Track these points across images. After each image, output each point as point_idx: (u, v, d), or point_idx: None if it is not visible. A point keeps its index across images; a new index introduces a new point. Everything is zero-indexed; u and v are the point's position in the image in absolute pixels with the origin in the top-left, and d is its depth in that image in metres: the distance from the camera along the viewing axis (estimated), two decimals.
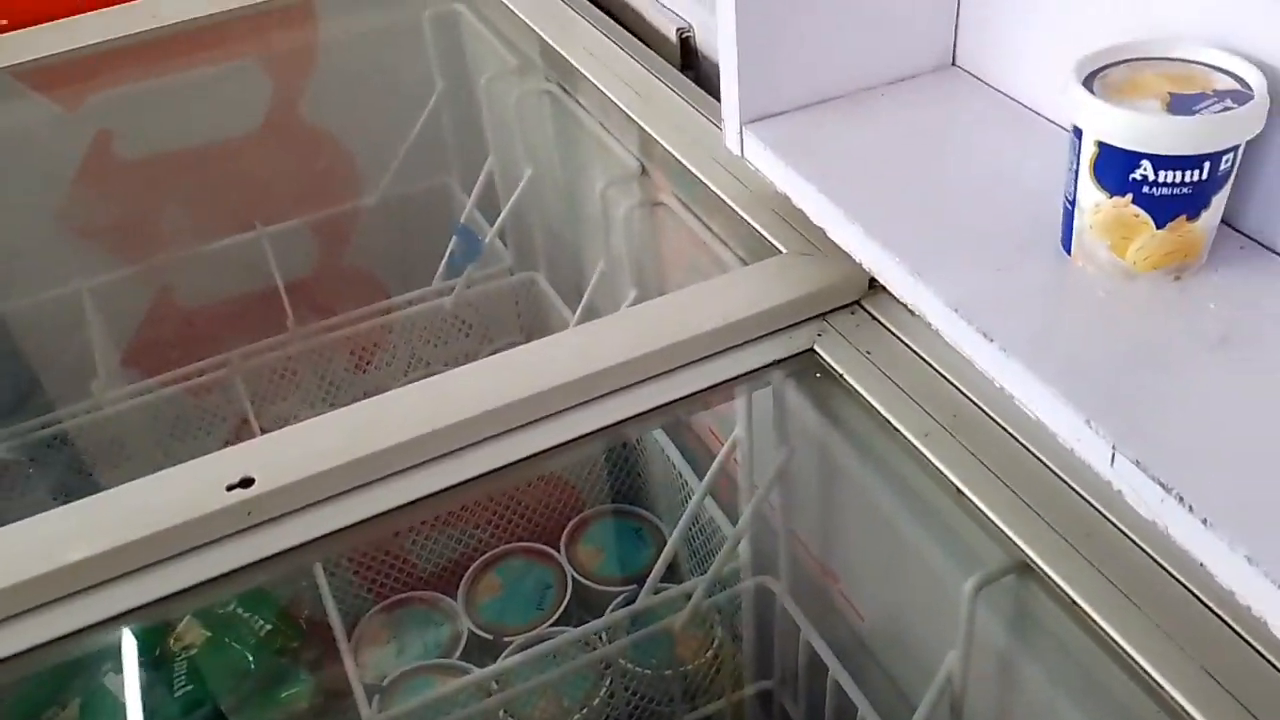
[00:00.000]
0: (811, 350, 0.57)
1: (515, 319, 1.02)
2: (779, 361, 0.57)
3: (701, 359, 0.57)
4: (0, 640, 0.49)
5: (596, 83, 0.78)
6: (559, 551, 0.87)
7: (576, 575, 0.85)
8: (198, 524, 0.51)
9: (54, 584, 0.50)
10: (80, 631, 0.50)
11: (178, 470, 0.53)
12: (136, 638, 0.75)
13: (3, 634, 0.49)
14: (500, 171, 1.00)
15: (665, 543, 0.79)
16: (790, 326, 0.58)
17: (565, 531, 0.89)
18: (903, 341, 0.57)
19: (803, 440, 0.63)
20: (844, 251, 0.57)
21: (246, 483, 0.51)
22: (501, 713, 0.73)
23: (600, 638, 0.73)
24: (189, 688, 0.70)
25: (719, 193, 0.66)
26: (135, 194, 1.09)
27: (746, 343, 0.58)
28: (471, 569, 0.87)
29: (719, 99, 0.63)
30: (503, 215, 0.95)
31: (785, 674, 0.75)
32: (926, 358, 0.56)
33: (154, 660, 0.72)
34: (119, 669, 0.70)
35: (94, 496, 0.53)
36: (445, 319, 0.98)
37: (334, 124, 1.10)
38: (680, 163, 0.69)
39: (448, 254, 0.98)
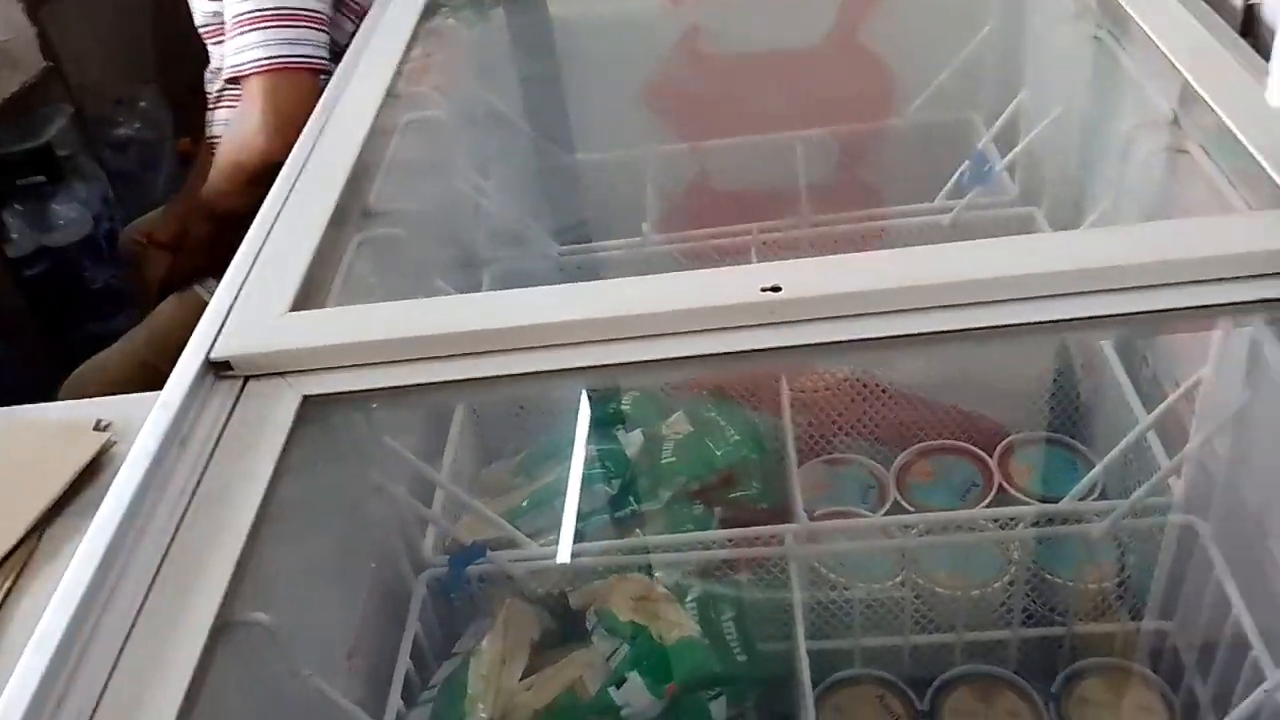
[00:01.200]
0: None
1: None
2: (1265, 302, 0.60)
3: (1185, 282, 0.61)
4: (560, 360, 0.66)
5: (1149, 31, 0.82)
6: (992, 458, 0.95)
7: (1003, 482, 0.92)
8: (732, 310, 0.66)
9: (621, 327, 0.67)
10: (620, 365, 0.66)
11: (727, 270, 0.68)
12: (645, 413, 0.95)
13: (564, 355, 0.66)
14: (1027, 109, 1.06)
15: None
16: None
17: (1001, 444, 0.96)
18: None
19: (1268, 388, 0.66)
20: None
21: (776, 289, 0.65)
22: (905, 558, 0.83)
23: (1014, 526, 0.80)
24: (672, 460, 0.89)
25: (1248, 145, 0.69)
26: (705, 83, 1.29)
27: (1234, 278, 0.61)
28: (909, 451, 0.97)
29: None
30: (1017, 149, 1.02)
31: (1186, 617, 0.77)
32: None
33: (651, 435, 0.91)
34: (630, 430, 0.91)
35: (663, 274, 0.70)
36: (940, 233, 1.07)
37: (884, 48, 1.22)
38: (1215, 113, 0.72)
39: (957, 175, 1.07)
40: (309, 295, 0.74)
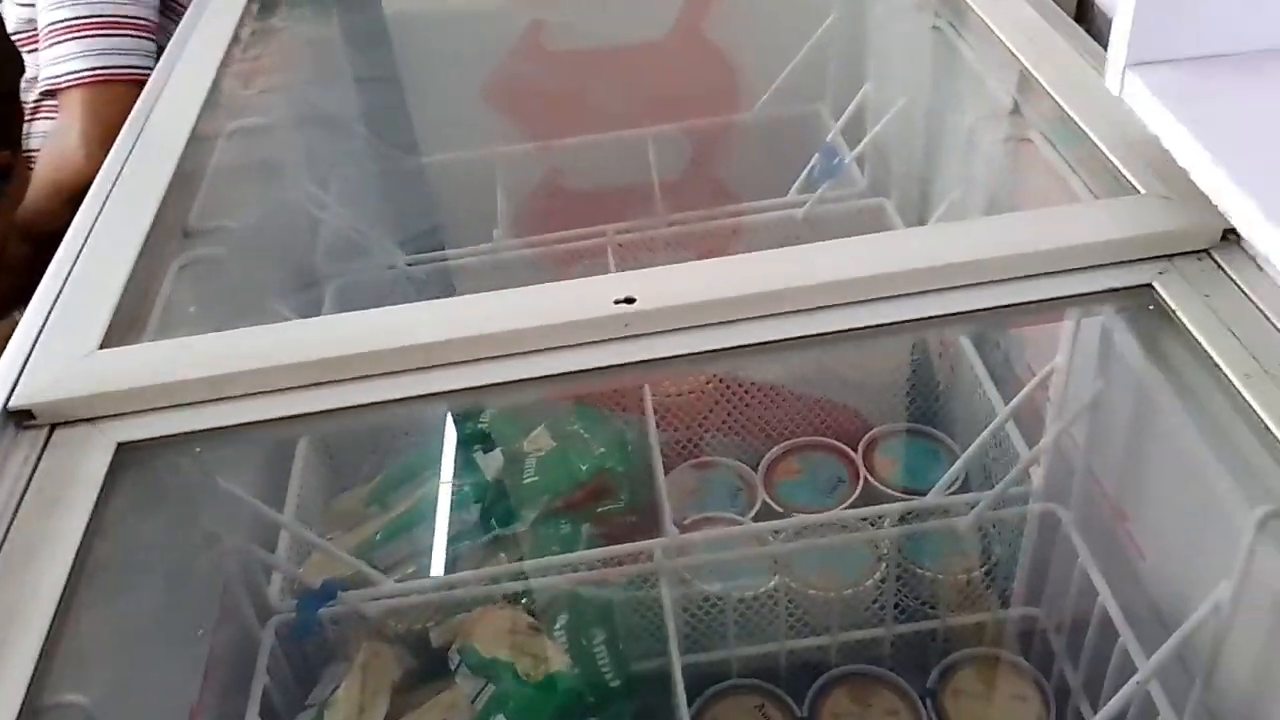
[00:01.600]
0: (1149, 286, 0.60)
1: None
2: (1114, 291, 0.61)
3: (1036, 275, 0.61)
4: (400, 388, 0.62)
5: (987, 21, 0.82)
6: (856, 453, 0.95)
7: (869, 476, 0.92)
8: (585, 325, 0.62)
9: (473, 347, 0.63)
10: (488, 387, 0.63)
11: (577, 283, 0.65)
12: (504, 431, 0.91)
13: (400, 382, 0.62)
14: (872, 101, 1.06)
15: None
16: (1133, 262, 0.61)
17: (865, 438, 0.96)
18: (1245, 295, 0.58)
19: (1120, 375, 0.66)
20: (1204, 199, 0.59)
21: (629, 300, 0.62)
22: (776, 563, 0.82)
23: (882, 523, 0.80)
24: (535, 478, 0.85)
25: (1089, 132, 0.69)
26: (550, 81, 1.25)
27: (1084, 269, 0.61)
28: (775, 450, 0.96)
29: (1107, 51, 0.66)
30: (865, 141, 1.02)
31: (1053, 603, 0.78)
32: (1268, 313, 0.57)
33: (512, 453, 0.87)
34: (488, 449, 0.86)
35: (508, 290, 0.66)
36: (794, 228, 1.06)
37: (729, 42, 1.21)
38: (1055, 101, 0.72)
39: (807, 169, 1.07)
40: (122, 330, 0.68)
